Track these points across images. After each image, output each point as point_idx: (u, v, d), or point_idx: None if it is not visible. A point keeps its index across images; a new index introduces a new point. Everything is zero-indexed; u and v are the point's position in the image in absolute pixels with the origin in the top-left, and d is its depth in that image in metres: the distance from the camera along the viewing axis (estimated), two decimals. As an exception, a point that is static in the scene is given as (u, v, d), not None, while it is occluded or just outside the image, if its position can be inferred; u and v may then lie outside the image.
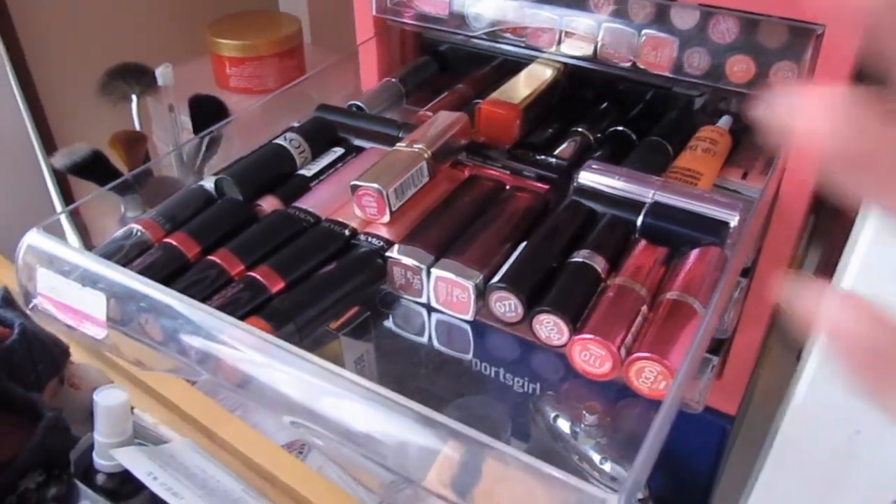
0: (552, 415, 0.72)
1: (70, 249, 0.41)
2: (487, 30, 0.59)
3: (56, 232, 0.91)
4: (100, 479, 0.56)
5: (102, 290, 0.40)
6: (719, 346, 0.61)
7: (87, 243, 0.93)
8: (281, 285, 0.43)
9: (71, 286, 0.40)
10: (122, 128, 0.86)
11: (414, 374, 0.54)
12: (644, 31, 0.52)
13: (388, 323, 0.51)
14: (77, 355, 0.65)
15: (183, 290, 0.41)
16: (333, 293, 0.43)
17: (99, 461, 0.55)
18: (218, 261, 0.44)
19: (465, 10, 0.59)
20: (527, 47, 0.59)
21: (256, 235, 0.46)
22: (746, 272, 0.65)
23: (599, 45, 0.55)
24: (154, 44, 1.01)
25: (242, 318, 0.40)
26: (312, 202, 0.50)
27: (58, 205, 0.93)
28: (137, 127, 0.88)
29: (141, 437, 0.58)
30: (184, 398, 0.64)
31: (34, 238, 0.42)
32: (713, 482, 0.73)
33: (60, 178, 0.93)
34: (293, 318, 0.41)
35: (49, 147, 0.91)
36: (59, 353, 0.62)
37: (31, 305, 0.43)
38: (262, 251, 0.45)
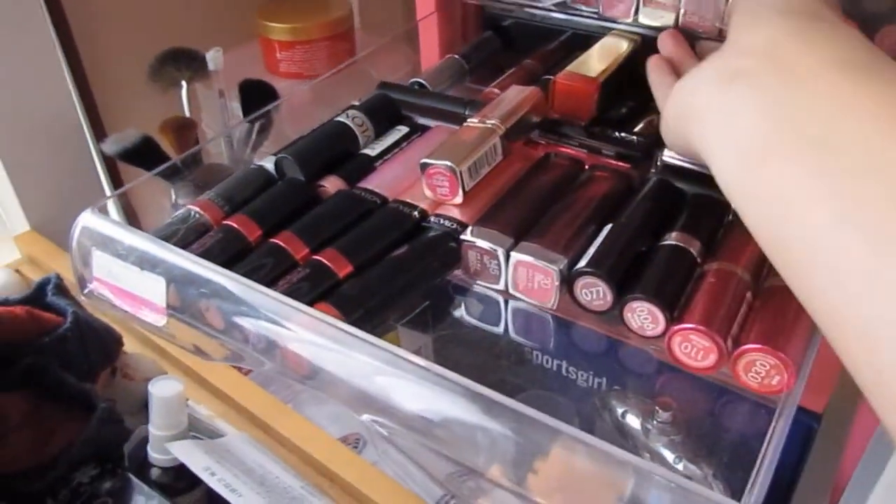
0: (620, 410, 0.68)
1: (127, 231, 0.39)
2: (557, 0, 0.56)
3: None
4: (154, 473, 0.54)
5: (161, 275, 0.37)
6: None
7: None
8: (349, 269, 0.40)
9: (129, 270, 0.38)
10: (172, 114, 0.85)
11: (482, 366, 0.51)
12: (732, -5, 0.48)
13: (457, 312, 0.48)
14: (130, 345, 0.63)
15: (245, 275, 0.38)
16: (405, 278, 0.40)
17: (153, 455, 0.53)
18: (281, 244, 0.41)
19: (534, -20, 0.56)
20: (601, 18, 0.55)
21: (321, 217, 0.43)
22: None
23: (682, 11, 0.51)
24: (203, 28, 1.00)
25: (309, 304, 0.37)
26: (378, 182, 0.47)
27: (108, 191, 0.91)
28: (187, 113, 0.86)
29: (196, 430, 0.56)
30: (238, 390, 0.61)
31: (89, 219, 0.40)
32: (795, 481, 0.68)
33: (110, 165, 0.92)
34: (364, 304, 0.38)
35: (99, 133, 0.90)
36: (111, 342, 0.60)
37: (85, 290, 0.41)
38: (327, 234, 0.42)
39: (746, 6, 0.35)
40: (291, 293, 0.38)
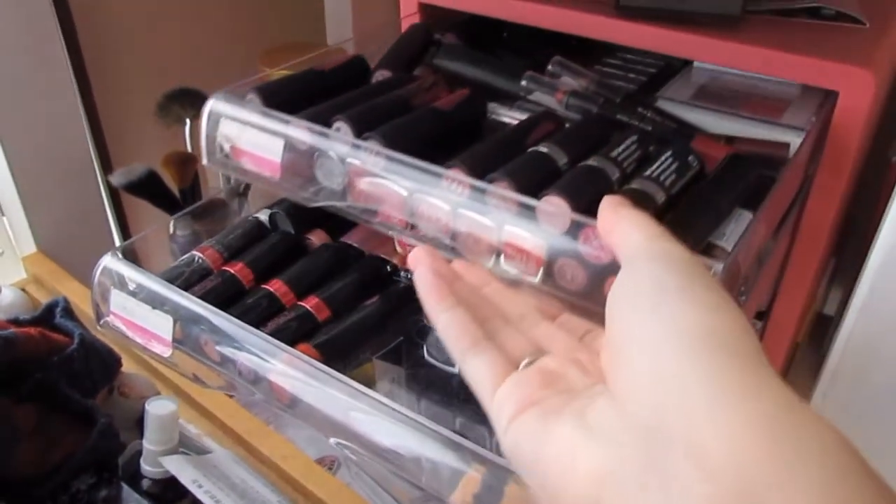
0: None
1: (141, 273, 0.46)
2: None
3: (105, 241, 0.96)
4: (145, 484, 0.59)
5: (169, 313, 0.44)
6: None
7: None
8: (328, 314, 0.47)
9: (141, 307, 0.44)
10: (174, 149, 0.92)
11: (446, 400, 0.58)
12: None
13: (422, 351, 0.55)
14: (127, 365, 0.69)
15: (239, 316, 0.45)
16: (375, 324, 0.47)
17: (146, 467, 0.59)
18: (272, 290, 0.48)
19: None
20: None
21: (306, 267, 0.50)
22: (762, 315, 0.68)
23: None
24: (208, 71, 1.07)
25: (293, 343, 0.44)
26: (357, 237, 0.54)
27: (111, 220, 0.98)
28: (189, 149, 0.93)
29: (185, 446, 0.62)
30: (225, 410, 0.68)
31: (109, 261, 0.47)
32: None
33: (114, 194, 0.98)
34: (339, 345, 0.45)
35: (105, 165, 0.96)
36: (112, 362, 0.66)
37: (101, 322, 0.47)
38: (311, 282, 0.49)
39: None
40: (278, 333, 0.45)
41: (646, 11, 0.60)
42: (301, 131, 0.45)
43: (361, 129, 0.46)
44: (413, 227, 0.43)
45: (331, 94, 0.51)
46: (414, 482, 0.40)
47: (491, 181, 0.42)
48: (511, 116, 0.57)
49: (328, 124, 0.47)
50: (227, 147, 0.48)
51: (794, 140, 0.53)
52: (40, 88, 0.87)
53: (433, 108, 0.49)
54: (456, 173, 0.42)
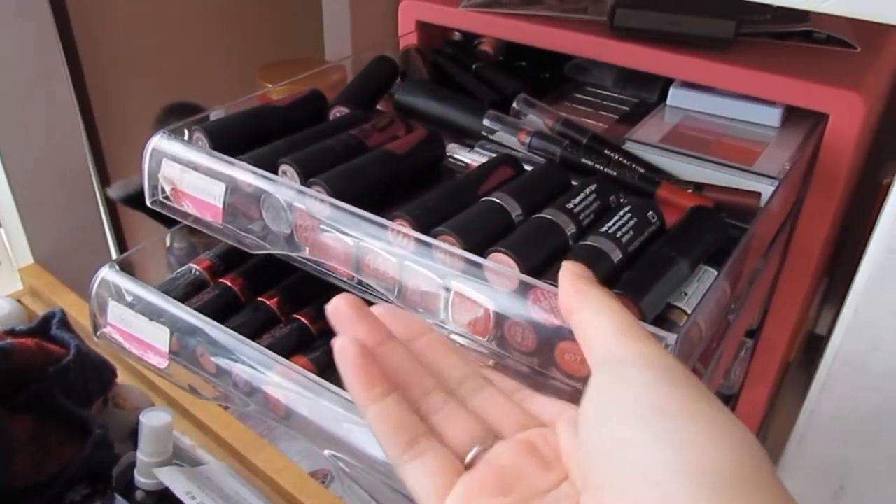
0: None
1: (138, 286, 0.46)
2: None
3: (102, 253, 0.96)
4: (139, 495, 0.60)
5: (165, 325, 0.45)
6: (726, 403, 0.64)
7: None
8: (323, 326, 0.48)
9: (139, 319, 0.45)
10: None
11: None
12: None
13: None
14: (122, 376, 0.69)
15: (235, 328, 0.45)
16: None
17: (140, 478, 0.59)
18: (267, 302, 0.48)
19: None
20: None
21: (301, 279, 0.51)
22: (752, 333, 0.69)
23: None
24: (207, 85, 1.08)
25: (288, 355, 0.44)
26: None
27: (108, 232, 0.98)
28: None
29: (179, 458, 0.62)
30: (219, 422, 0.68)
31: (108, 273, 0.47)
32: None
33: (111, 206, 0.99)
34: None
35: (103, 177, 0.97)
36: (107, 373, 0.66)
37: (98, 333, 0.48)
38: (306, 294, 0.50)
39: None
40: (274, 345, 0.45)
41: (639, 32, 0.61)
42: (245, 174, 0.44)
43: (308, 174, 0.44)
44: (360, 281, 0.42)
45: (286, 131, 0.50)
46: (407, 493, 0.40)
47: (436, 235, 0.40)
48: (471, 159, 0.55)
49: (275, 166, 0.45)
50: (168, 189, 0.47)
51: (767, 188, 0.52)
52: (39, 101, 0.88)
53: (386, 150, 0.47)
54: (401, 225, 0.41)
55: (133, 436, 0.63)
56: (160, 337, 0.45)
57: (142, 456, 0.59)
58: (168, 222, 0.90)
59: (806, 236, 0.61)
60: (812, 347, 0.97)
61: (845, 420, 0.50)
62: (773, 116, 0.62)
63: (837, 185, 0.57)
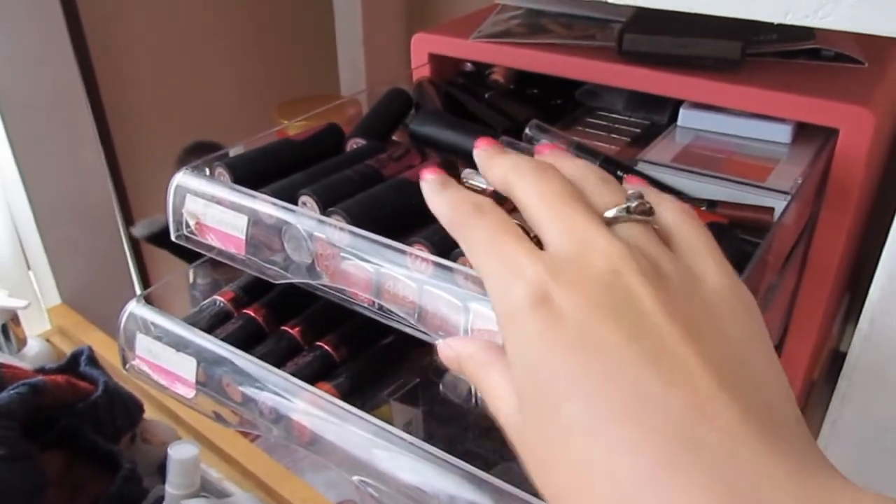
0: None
1: (166, 318, 0.47)
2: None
3: (127, 291, 0.98)
4: (168, 528, 0.61)
5: (192, 356, 0.46)
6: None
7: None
8: (344, 353, 0.48)
9: (166, 351, 0.46)
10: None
11: (462, 437, 0.59)
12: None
13: (437, 389, 0.56)
14: (149, 411, 0.70)
15: (260, 357, 0.46)
16: (392, 363, 0.49)
17: (168, 512, 0.60)
18: (290, 331, 0.49)
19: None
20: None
21: (322, 309, 0.52)
22: (775, 348, 0.69)
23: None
24: (227, 122, 1.10)
25: (312, 382, 0.45)
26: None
27: (133, 270, 1.00)
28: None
29: (206, 490, 0.63)
30: (246, 455, 0.69)
31: (135, 307, 0.48)
32: None
33: (135, 245, 1.01)
34: (356, 383, 0.46)
35: (127, 217, 0.99)
36: (135, 409, 0.68)
37: (127, 366, 0.49)
38: (327, 321, 0.51)
39: None
40: (298, 373, 0.46)
41: (648, 56, 0.62)
42: (267, 206, 0.46)
43: (328, 203, 0.45)
44: (381, 306, 0.43)
45: (305, 164, 0.51)
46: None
47: (455, 259, 0.41)
48: (486, 184, 0.55)
49: (295, 198, 0.47)
50: (192, 223, 0.49)
51: (780, 204, 0.53)
52: (64, 146, 0.90)
53: (402, 179, 0.48)
54: (419, 249, 0.42)
55: (161, 470, 0.63)
56: (187, 367, 0.45)
57: (170, 489, 0.59)
58: (190, 258, 0.92)
59: (822, 252, 0.61)
60: (836, 365, 0.96)
61: (865, 430, 0.49)
62: (783, 133, 0.62)
63: (851, 200, 0.58)
